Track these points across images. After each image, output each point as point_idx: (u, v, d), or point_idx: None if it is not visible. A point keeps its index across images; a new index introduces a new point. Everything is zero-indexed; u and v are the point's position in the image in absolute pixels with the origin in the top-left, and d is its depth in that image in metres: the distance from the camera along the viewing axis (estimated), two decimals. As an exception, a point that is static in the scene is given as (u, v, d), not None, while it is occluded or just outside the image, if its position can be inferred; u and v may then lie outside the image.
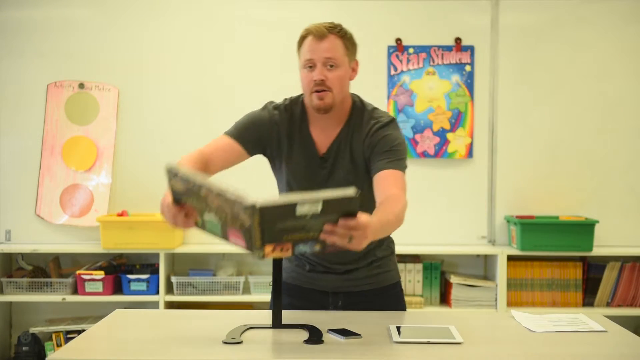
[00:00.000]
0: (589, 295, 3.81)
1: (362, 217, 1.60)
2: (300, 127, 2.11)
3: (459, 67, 3.91)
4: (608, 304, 3.80)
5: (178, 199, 1.72)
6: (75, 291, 3.74)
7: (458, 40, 3.90)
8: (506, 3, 3.91)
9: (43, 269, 3.85)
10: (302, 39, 2.06)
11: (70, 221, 3.89)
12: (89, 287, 3.68)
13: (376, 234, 1.71)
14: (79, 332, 3.57)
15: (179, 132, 3.90)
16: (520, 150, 3.93)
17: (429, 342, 1.72)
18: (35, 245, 3.81)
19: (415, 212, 3.90)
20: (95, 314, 3.88)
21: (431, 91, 3.91)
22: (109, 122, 3.93)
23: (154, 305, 3.72)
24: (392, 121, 2.09)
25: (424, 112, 3.91)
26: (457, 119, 3.90)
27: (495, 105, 3.92)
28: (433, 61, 3.91)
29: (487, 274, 3.95)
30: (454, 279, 3.76)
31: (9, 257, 3.93)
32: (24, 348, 3.71)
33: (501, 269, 3.72)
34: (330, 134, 2.10)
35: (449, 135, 3.91)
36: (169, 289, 3.79)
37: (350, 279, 2.15)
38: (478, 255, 3.98)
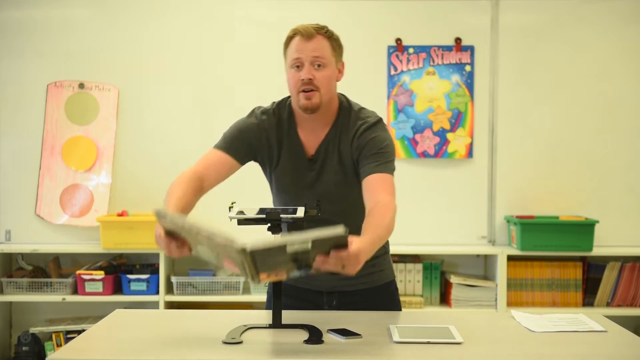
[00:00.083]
0: (589, 295, 3.81)
1: (353, 245, 1.61)
2: (288, 130, 2.11)
3: (459, 67, 3.90)
4: (608, 304, 3.80)
5: (171, 233, 1.74)
6: (75, 291, 3.74)
7: (458, 40, 3.90)
8: (506, 3, 3.91)
9: (43, 269, 3.85)
10: (289, 39, 2.05)
11: (70, 221, 3.89)
12: (89, 287, 3.68)
13: (369, 254, 1.73)
14: (79, 332, 3.57)
15: (179, 132, 3.91)
16: (520, 150, 3.93)
17: (429, 342, 1.72)
18: (35, 245, 3.81)
19: (415, 212, 3.94)
20: (95, 314, 3.88)
21: (431, 91, 3.91)
22: (109, 122, 3.93)
23: (154, 305, 3.72)
24: (379, 121, 2.08)
25: (424, 112, 3.91)
26: (457, 119, 3.90)
27: (495, 105, 3.92)
28: (433, 61, 3.91)
29: (487, 274, 3.95)
30: (454, 279, 3.76)
31: (9, 257, 3.93)
32: (24, 348, 3.71)
33: (501, 269, 3.72)
34: (319, 135, 2.10)
35: (449, 135, 3.91)
36: (169, 289, 3.80)
37: (345, 278, 2.15)
38: (478, 255, 3.98)
